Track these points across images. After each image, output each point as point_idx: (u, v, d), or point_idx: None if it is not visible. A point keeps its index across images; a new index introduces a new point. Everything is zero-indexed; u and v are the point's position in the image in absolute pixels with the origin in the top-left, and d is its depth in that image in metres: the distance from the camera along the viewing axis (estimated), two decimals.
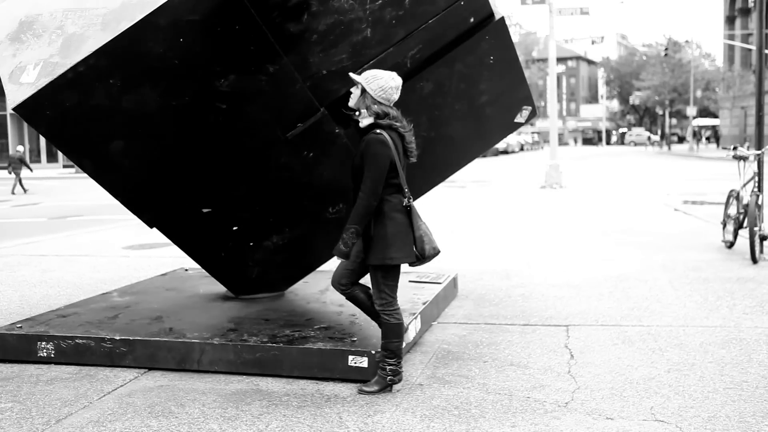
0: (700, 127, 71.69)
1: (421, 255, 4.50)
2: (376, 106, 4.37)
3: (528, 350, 5.42)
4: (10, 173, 25.05)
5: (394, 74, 4.46)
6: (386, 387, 4.54)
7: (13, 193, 24.52)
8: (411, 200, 4.47)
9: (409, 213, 4.47)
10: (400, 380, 4.58)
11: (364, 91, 4.38)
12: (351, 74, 4.48)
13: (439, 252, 4.58)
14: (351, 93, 4.48)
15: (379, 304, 4.54)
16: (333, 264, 8.48)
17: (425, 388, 4.66)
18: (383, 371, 4.54)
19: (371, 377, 4.70)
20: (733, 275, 7.99)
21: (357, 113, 4.46)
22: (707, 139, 68.01)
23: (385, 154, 4.32)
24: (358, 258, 4.55)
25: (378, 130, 4.34)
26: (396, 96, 4.44)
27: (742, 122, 55.61)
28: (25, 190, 24.88)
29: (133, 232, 12.60)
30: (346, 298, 4.73)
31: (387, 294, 4.54)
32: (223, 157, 5.39)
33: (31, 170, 26.06)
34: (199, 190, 5.52)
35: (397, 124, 4.42)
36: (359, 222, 4.33)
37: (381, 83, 4.36)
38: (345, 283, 4.66)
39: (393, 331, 4.54)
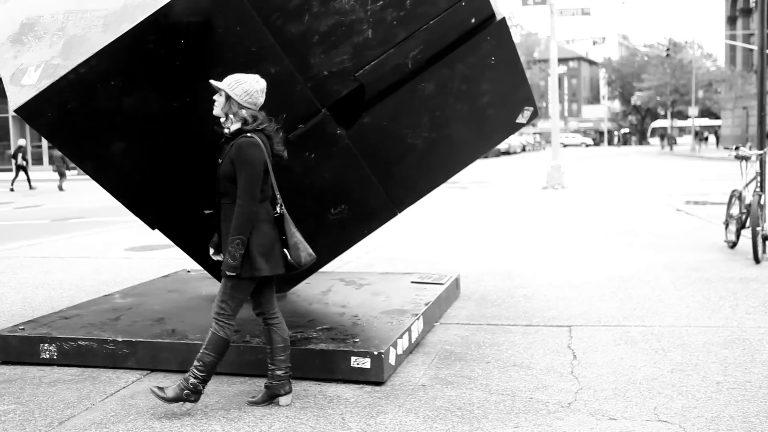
0: (702, 128, 71.86)
1: (297, 263, 4.32)
2: (243, 111, 4.20)
3: (531, 351, 5.42)
4: (54, 171, 26.57)
5: (257, 77, 4.28)
6: (179, 399, 4.23)
7: (61, 189, 25.99)
8: (282, 207, 4.30)
9: (279, 221, 4.30)
10: (195, 400, 4.27)
11: (228, 97, 4.22)
12: (212, 81, 4.28)
13: (315, 258, 4.40)
14: (215, 100, 4.29)
15: (216, 312, 4.31)
16: (336, 264, 8.52)
17: (428, 388, 4.66)
18: (185, 381, 4.24)
19: (374, 378, 4.69)
20: (735, 275, 7.98)
21: (223, 120, 4.27)
22: (705, 139, 68.23)
23: (259, 157, 4.16)
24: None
25: (249, 134, 4.18)
26: (262, 99, 4.26)
27: (744, 122, 55.55)
28: (61, 189, 26.16)
29: (135, 233, 12.61)
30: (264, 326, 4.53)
31: (228, 305, 4.29)
32: None
33: (69, 169, 27.59)
34: (201, 191, 5.51)
35: (264, 125, 4.25)
36: (243, 231, 4.13)
37: (245, 87, 4.19)
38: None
39: (216, 344, 4.26)
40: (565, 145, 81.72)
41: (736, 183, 10.21)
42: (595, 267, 8.63)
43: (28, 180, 27.53)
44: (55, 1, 5.09)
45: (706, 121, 74.52)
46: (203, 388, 4.30)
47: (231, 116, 4.24)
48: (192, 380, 4.25)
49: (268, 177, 4.25)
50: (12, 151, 31.79)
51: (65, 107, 4.70)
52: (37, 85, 4.58)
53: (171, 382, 4.49)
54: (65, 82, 4.56)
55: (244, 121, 4.21)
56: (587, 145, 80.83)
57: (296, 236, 4.34)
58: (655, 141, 77.69)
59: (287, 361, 4.45)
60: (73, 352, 5.27)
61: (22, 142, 28.34)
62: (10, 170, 40.99)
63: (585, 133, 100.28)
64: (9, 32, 5.04)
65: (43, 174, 35.16)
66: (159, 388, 4.26)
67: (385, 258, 9.61)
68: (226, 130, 4.27)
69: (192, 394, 4.26)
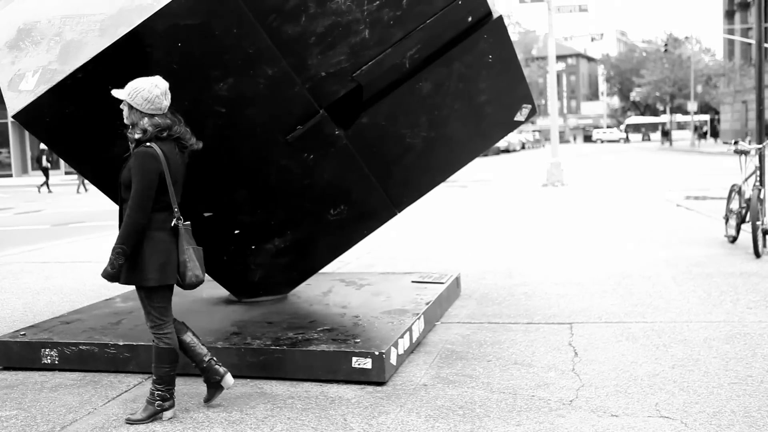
0: (702, 122, 71.99)
1: (182, 280, 4.23)
2: (144, 120, 4.13)
3: (532, 349, 5.42)
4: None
5: (156, 80, 4.16)
6: (155, 414, 4.25)
7: (85, 190, 26.68)
8: (181, 220, 4.21)
9: (175, 233, 4.21)
10: (171, 406, 4.29)
11: (131, 106, 4.16)
12: (113, 92, 4.22)
13: (202, 281, 4.28)
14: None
15: (149, 327, 4.28)
16: (336, 265, 8.52)
17: (429, 388, 4.66)
18: (152, 396, 4.27)
19: (375, 378, 4.70)
20: (736, 270, 7.98)
21: (130, 130, 4.21)
22: (704, 135, 68.39)
23: (153, 168, 4.06)
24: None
25: (148, 143, 4.12)
26: (166, 102, 4.17)
27: (743, 116, 55.53)
28: (86, 189, 26.77)
29: None
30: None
31: (155, 316, 4.25)
32: (223, 161, 5.38)
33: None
34: (200, 194, 5.51)
35: (171, 129, 4.19)
36: (126, 241, 4.07)
37: (144, 95, 4.10)
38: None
39: (161, 356, 4.25)
40: (602, 141, 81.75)
41: (736, 178, 10.21)
42: (595, 264, 8.64)
43: (47, 183, 28.20)
44: (51, 6, 5.09)
45: (684, 118, 74.79)
46: (172, 394, 4.31)
47: (134, 126, 4.17)
48: (157, 393, 4.28)
49: (166, 187, 4.15)
50: (36, 154, 32.38)
51: (63, 112, 4.70)
52: (34, 90, 4.58)
53: (136, 407, 4.45)
54: (63, 87, 4.56)
55: (144, 132, 4.12)
56: (625, 141, 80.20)
57: (187, 254, 4.20)
58: (655, 136, 77.95)
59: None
60: (74, 356, 5.28)
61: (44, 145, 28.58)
62: (10, 176, 40.94)
63: (585, 129, 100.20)
64: (6, 38, 5.04)
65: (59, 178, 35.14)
66: (129, 417, 4.26)
67: (385, 258, 9.62)
68: (132, 141, 4.20)
69: (165, 401, 4.28)
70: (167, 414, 4.30)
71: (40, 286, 8.63)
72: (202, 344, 4.50)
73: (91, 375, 5.17)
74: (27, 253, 11.49)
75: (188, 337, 4.46)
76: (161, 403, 4.27)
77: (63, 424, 4.29)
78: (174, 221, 4.19)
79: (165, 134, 4.16)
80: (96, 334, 5.50)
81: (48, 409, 4.54)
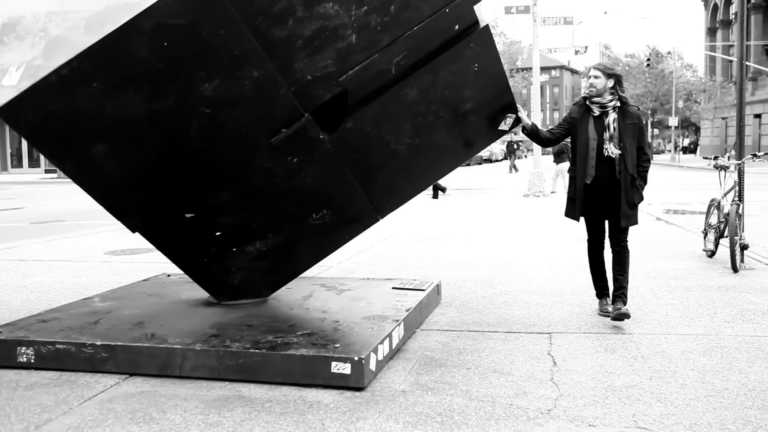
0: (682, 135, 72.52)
1: None
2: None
3: (511, 357, 5.43)
4: None
5: None
6: None
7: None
8: None
9: None
10: None
11: None
12: None
13: None
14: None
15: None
16: (317, 270, 8.50)
17: (408, 394, 4.66)
18: None
19: (354, 383, 4.69)
20: (714, 284, 8.04)
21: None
22: (684, 149, 68.86)
23: None
24: None
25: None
26: None
27: (723, 132, 56.11)
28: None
29: (116, 237, 12.52)
30: None
31: None
32: (206, 162, 5.36)
33: None
34: (182, 194, 5.49)
35: None
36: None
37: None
38: None
39: None
40: None
41: (715, 192, 10.30)
42: (575, 274, 8.67)
43: None
44: (37, 2, 5.05)
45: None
46: None
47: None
48: None
49: None
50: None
51: (46, 109, 4.66)
52: (17, 86, 4.54)
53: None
54: (47, 83, 4.52)
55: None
56: None
57: None
58: None
59: None
60: (50, 355, 5.22)
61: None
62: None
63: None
64: None
65: (23, 177, 34.85)
66: None
67: (366, 264, 9.61)
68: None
69: None
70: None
71: (18, 283, 8.54)
72: None
73: (68, 374, 5.12)
74: (5, 250, 11.38)
75: None
76: None
77: (38, 423, 4.25)
78: None
79: None
80: (73, 333, 5.44)
81: (22, 408, 4.48)
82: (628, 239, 6.43)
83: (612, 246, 6.44)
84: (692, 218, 14.39)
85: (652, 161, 6.05)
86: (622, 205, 6.25)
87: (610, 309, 6.47)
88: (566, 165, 18.22)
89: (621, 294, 6.30)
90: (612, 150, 6.23)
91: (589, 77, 6.44)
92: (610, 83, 6.36)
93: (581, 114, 6.41)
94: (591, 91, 6.37)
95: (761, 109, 49.22)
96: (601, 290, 6.74)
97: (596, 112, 6.34)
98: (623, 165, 6.21)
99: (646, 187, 6.42)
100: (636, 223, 6.33)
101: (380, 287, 6.99)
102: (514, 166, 41.42)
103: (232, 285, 6.23)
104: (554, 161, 21.78)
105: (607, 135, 6.26)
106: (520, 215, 16.23)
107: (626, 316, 6.12)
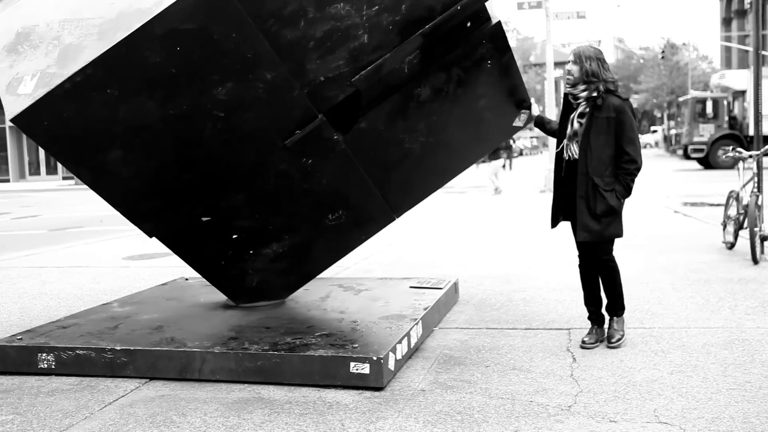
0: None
1: None
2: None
3: (530, 354, 5.41)
4: None
5: None
6: None
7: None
8: None
9: None
10: None
11: None
12: None
13: None
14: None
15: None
16: (334, 270, 8.51)
17: (427, 393, 4.65)
18: None
19: (373, 383, 4.68)
20: (734, 276, 7.98)
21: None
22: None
23: None
24: None
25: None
26: None
27: None
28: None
29: (133, 242, 12.59)
30: None
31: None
32: (221, 166, 5.38)
33: None
34: (198, 198, 5.51)
35: None
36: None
37: None
38: None
39: None
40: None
41: (734, 184, 10.22)
42: None
43: None
44: (50, 10, 5.09)
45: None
46: None
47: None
48: None
49: None
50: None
51: (62, 116, 4.69)
52: (33, 94, 4.58)
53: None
54: (61, 90, 4.55)
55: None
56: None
57: None
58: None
59: None
60: (71, 361, 5.26)
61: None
62: (8, 180, 40.93)
63: None
64: (4, 42, 5.04)
65: (40, 185, 35.11)
66: None
67: (383, 263, 9.61)
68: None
69: None
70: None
71: (38, 290, 8.60)
72: None
73: (88, 380, 5.15)
74: (24, 258, 11.47)
75: None
76: None
77: (59, 428, 4.27)
78: None
79: None
80: (93, 338, 5.48)
81: (44, 414, 4.52)
82: (612, 254, 5.51)
83: (596, 262, 5.58)
84: (711, 210, 14.28)
85: (641, 162, 5.24)
86: (579, 215, 5.30)
87: (586, 339, 5.53)
88: None
89: (611, 315, 5.61)
90: (573, 151, 5.40)
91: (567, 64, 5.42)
92: (593, 67, 5.24)
93: (570, 109, 5.52)
94: (568, 80, 5.38)
95: None
96: (590, 314, 5.68)
97: (576, 106, 5.43)
98: (584, 167, 5.27)
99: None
100: (608, 237, 5.37)
101: (398, 286, 6.99)
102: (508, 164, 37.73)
103: (250, 287, 6.25)
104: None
105: (569, 132, 5.42)
106: (536, 211, 16.16)
107: (616, 345, 5.45)
